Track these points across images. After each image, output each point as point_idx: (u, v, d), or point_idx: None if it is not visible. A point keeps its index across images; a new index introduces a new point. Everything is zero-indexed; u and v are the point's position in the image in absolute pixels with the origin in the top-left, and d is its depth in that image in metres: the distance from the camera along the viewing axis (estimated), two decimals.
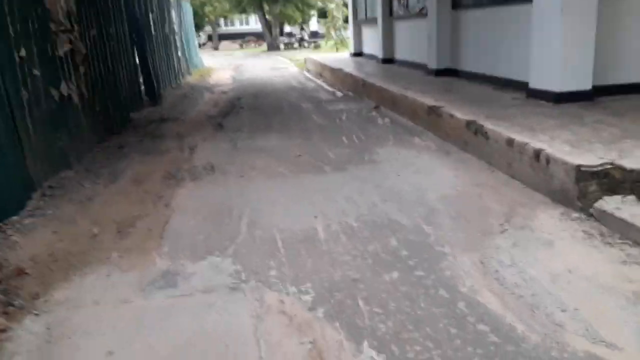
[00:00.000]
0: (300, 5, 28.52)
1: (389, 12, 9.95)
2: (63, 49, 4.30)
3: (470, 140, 4.08)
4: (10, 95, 3.24)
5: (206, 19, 35.58)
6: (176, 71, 12.19)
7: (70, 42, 4.54)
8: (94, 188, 3.59)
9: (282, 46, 29.79)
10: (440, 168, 3.82)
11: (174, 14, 13.61)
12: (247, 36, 40.78)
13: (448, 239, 2.55)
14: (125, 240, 2.65)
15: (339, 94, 8.78)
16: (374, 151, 4.44)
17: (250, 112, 7.29)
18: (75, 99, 4.48)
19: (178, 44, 13.55)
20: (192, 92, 10.47)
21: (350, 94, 8.52)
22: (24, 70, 3.52)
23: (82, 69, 4.83)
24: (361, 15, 12.52)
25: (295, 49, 29.38)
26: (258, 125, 6.10)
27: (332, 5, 21.07)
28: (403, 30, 9.47)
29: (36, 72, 3.72)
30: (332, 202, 3.14)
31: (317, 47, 26.68)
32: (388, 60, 10.21)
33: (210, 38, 40.67)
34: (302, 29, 34.57)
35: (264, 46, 31.54)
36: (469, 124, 4.12)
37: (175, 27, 13.63)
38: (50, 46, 4.09)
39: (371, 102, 7.16)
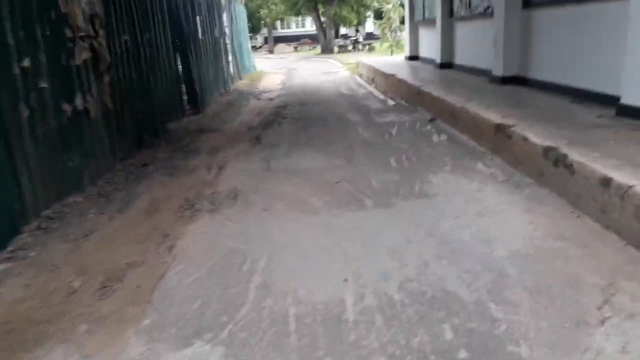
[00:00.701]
0: (355, 6, 27.82)
1: (449, 12, 9.08)
2: (81, 57, 3.91)
3: (549, 171, 3.27)
4: (3, 113, 2.83)
5: (262, 22, 35.73)
6: (225, 76, 11.92)
7: (93, 49, 4.16)
8: (97, 220, 3.14)
9: (336, 49, 29.23)
10: (510, 208, 3.04)
11: (225, 17, 13.40)
12: (303, 38, 40.65)
13: (525, 330, 1.82)
14: (104, 302, 2.13)
15: (391, 102, 8.05)
16: (426, 179, 3.71)
17: (293, 123, 6.73)
18: (94, 112, 4.09)
19: (229, 48, 13.32)
20: (239, 99, 10.12)
21: (404, 103, 7.77)
22: (26, 83, 3.13)
23: (106, 79, 4.45)
24: (418, 16, 11.67)
25: (350, 51, 28.73)
26: (298, 140, 5.52)
27: (388, 6, 20.24)
28: (464, 32, 8.58)
29: (43, 84, 3.33)
30: (370, 255, 2.47)
31: (371, 49, 25.88)
32: (446, 64, 9.34)
33: (266, 41, 40.88)
34: (357, 30, 33.87)
35: (318, 49, 31.14)
36: (547, 151, 3.31)
37: (227, 31, 13.41)
38: (65, 54, 3.70)
39: (426, 114, 6.39)
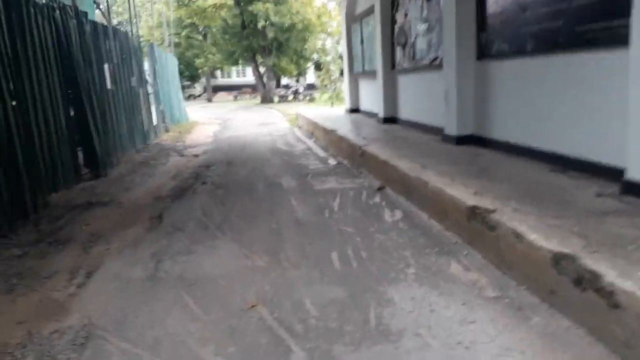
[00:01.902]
0: (294, 57, 27.55)
1: (390, 64, 8.37)
2: None
3: (567, 293, 2.19)
4: None
5: (199, 71, 34.75)
6: (146, 129, 10.52)
7: None
8: None
9: (276, 98, 28.60)
10: (520, 358, 1.91)
11: (147, 64, 12.14)
12: (244, 88, 40.01)
13: None
14: None
15: (332, 162, 6.99)
16: (384, 296, 2.53)
17: (212, 191, 5.44)
18: None
19: (152, 98, 11.99)
20: (157, 156, 8.72)
21: (346, 163, 6.74)
22: None
23: None
24: (358, 68, 11.01)
25: (290, 101, 28.19)
26: (211, 219, 4.23)
27: (327, 58, 19.90)
28: (409, 84, 7.84)
29: None
30: None
31: (312, 100, 25.41)
32: (390, 119, 8.53)
33: (205, 89, 39.81)
34: (297, 81, 33.67)
35: (258, 98, 30.41)
36: (558, 260, 2.25)
37: (149, 79, 12.12)
38: None
39: (373, 180, 5.35)
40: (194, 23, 28.46)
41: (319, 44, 26.91)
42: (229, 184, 5.81)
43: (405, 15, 7.44)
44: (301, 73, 34.52)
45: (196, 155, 8.85)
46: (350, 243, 3.38)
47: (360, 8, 10.33)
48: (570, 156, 3.94)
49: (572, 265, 2.15)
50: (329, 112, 13.66)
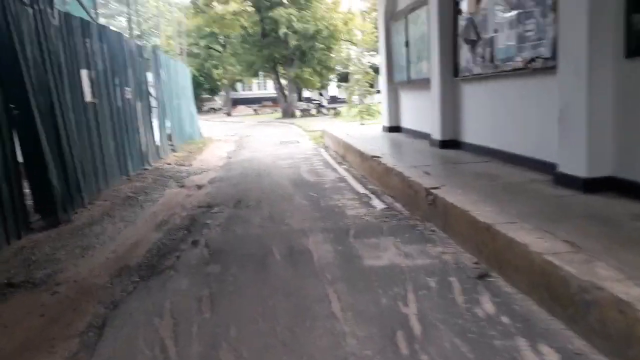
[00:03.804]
0: (318, 68, 25.74)
1: (452, 70, 6.36)
2: None
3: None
4: None
5: (218, 83, 33.35)
6: (143, 150, 8.72)
7: None
8: None
9: (298, 112, 26.81)
10: None
11: (150, 75, 10.41)
12: (264, 101, 38.48)
13: None
14: None
15: (378, 204, 5.01)
16: None
17: (202, 266, 3.48)
18: None
19: (155, 113, 10.23)
20: (149, 188, 6.86)
21: (400, 207, 4.76)
22: None
23: None
24: (400, 77, 9.01)
25: (313, 115, 26.37)
26: (182, 348, 2.28)
27: (354, 67, 18.04)
28: (482, 96, 5.79)
29: None
30: None
31: (337, 114, 23.51)
32: (451, 143, 6.51)
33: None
34: (320, 94, 31.91)
35: (279, 112, 28.68)
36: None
37: (153, 92, 10.38)
38: None
39: (459, 249, 3.34)
40: (214, 32, 27.00)
41: (344, 52, 25.06)
42: (230, 249, 3.84)
43: (478, 1, 5.45)
44: (324, 86, 32.71)
45: (200, 187, 6.99)
46: None
47: (404, 1, 8.39)
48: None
49: None
50: (361, 130, 11.70)
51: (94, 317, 2.70)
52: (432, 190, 3.99)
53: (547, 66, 4.19)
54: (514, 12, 4.75)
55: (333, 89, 37.66)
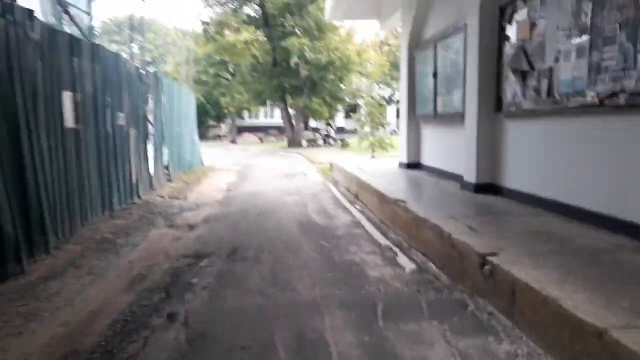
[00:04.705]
0: (328, 98, 25.09)
1: (494, 104, 5.46)
2: None
3: None
4: None
5: (225, 111, 32.81)
6: (133, 181, 7.81)
7: None
8: None
9: (304, 142, 26.06)
10: None
11: (150, 100, 9.62)
12: (271, 129, 37.89)
13: None
14: None
15: (406, 262, 4.02)
16: None
17: (177, 358, 2.51)
18: None
19: (150, 140, 9.39)
20: (132, 227, 5.91)
21: (435, 269, 3.77)
22: None
23: None
24: (424, 109, 8.13)
25: (320, 146, 25.60)
26: None
27: (367, 98, 17.30)
28: (535, 136, 4.81)
29: None
30: None
31: (345, 145, 22.71)
32: (487, 187, 5.55)
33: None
34: (328, 124, 31.26)
35: (285, 141, 27.95)
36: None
37: (150, 117, 9.57)
38: None
39: (534, 347, 2.34)
40: (224, 60, 26.55)
41: (355, 83, 24.46)
42: (215, 334, 2.82)
43: (533, 25, 4.58)
44: (332, 116, 32.09)
45: (191, 227, 6.04)
46: None
47: (433, 29, 7.60)
48: None
49: None
50: (374, 164, 10.77)
51: None
52: (490, 258, 3.01)
53: (635, 103, 3.27)
54: (581, 38, 3.87)
55: (340, 120, 37.02)
